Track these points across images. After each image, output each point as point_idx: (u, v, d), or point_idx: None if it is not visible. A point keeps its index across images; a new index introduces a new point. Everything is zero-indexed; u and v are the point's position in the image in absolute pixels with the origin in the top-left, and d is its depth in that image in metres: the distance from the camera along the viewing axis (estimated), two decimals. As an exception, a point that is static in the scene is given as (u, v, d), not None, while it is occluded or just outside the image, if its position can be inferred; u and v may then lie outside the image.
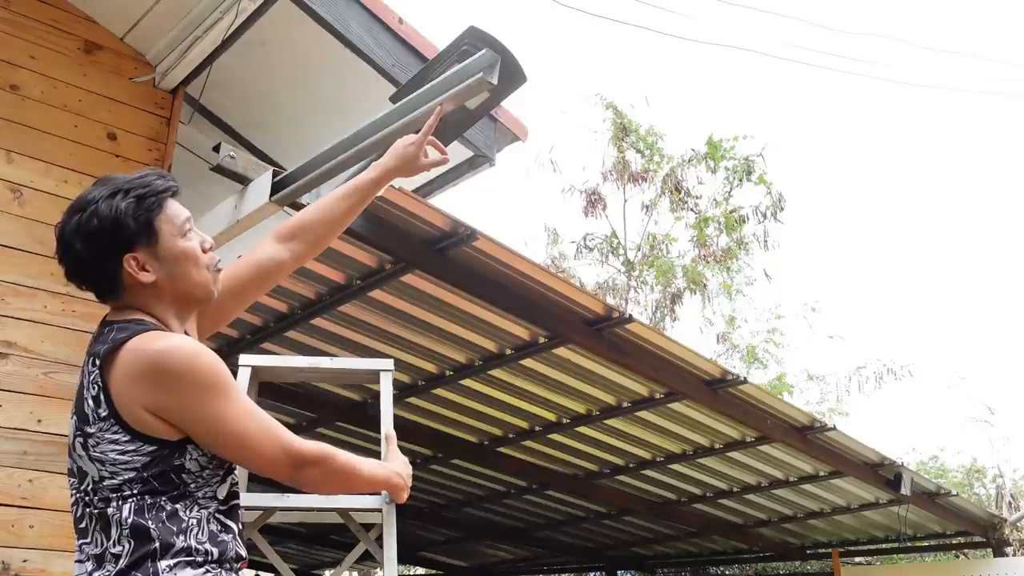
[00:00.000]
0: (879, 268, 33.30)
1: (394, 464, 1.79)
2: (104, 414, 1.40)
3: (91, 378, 1.43)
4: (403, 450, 1.96)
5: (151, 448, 1.39)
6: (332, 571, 11.33)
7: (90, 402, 1.42)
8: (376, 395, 2.89)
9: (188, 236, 1.56)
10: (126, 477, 1.38)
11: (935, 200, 36.97)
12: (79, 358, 3.12)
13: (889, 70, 32.68)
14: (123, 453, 1.39)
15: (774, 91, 37.95)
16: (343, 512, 2.48)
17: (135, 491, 1.38)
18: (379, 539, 2.37)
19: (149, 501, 1.38)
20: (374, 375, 2.62)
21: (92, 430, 1.41)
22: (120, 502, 1.38)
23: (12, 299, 3.01)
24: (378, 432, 2.34)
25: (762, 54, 29.35)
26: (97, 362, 1.43)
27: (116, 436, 1.39)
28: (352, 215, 1.90)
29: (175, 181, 1.58)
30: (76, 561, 1.45)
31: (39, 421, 2.95)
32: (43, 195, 3.17)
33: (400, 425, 5.33)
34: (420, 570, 13.55)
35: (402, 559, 12.59)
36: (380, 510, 2.36)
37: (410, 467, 1.84)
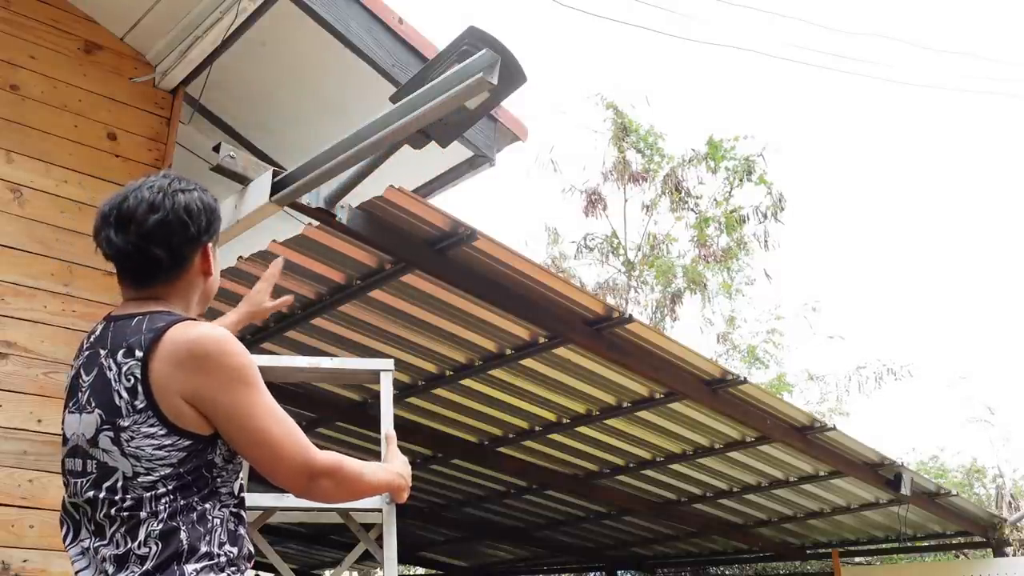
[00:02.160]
0: (879, 268, 33.32)
1: (395, 465, 1.80)
2: (141, 406, 1.40)
3: (124, 369, 1.42)
4: (403, 450, 1.96)
5: (187, 443, 1.40)
6: (332, 571, 11.32)
7: (123, 394, 1.41)
8: (376, 395, 2.90)
9: None
10: (162, 474, 1.38)
11: (935, 200, 36.98)
12: (79, 358, 3.10)
13: (889, 70, 32.68)
14: (160, 448, 1.39)
15: (774, 91, 37.98)
16: (343, 512, 2.48)
17: (169, 488, 1.38)
18: (379, 539, 2.37)
19: (182, 503, 1.39)
20: (374, 375, 2.62)
21: (126, 423, 1.40)
22: (153, 503, 1.38)
23: (12, 299, 3.01)
24: (378, 432, 2.34)
25: (762, 54, 29.36)
26: (138, 352, 1.42)
27: (152, 430, 1.39)
28: None
29: None
30: (77, 556, 1.43)
31: (39, 421, 2.95)
32: (43, 195, 3.17)
33: (400, 425, 5.33)
34: (420, 570, 13.55)
35: (402, 559, 12.54)
36: (380, 510, 2.36)
37: (410, 467, 1.85)
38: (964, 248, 34.19)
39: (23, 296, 3.03)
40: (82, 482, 1.44)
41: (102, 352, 1.47)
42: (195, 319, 1.53)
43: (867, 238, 33.94)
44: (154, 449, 1.39)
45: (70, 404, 1.51)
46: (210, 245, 1.61)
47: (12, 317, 2.99)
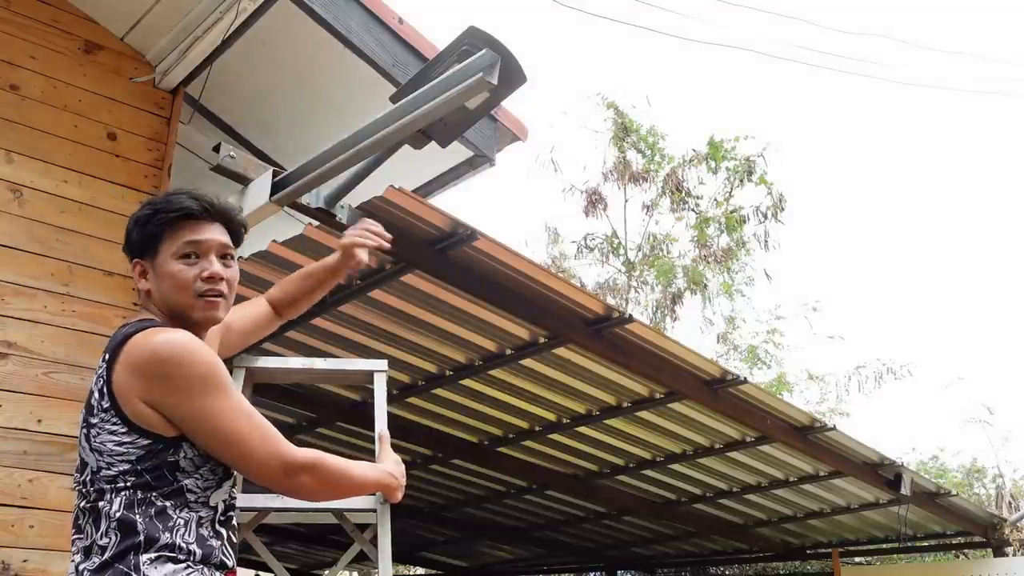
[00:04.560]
0: (879, 268, 33.30)
1: (386, 464, 1.80)
2: (106, 405, 1.45)
3: (99, 371, 1.50)
4: (402, 450, 1.97)
5: (146, 442, 1.43)
6: (329, 571, 11.32)
7: (96, 394, 1.48)
8: (376, 395, 2.89)
9: (186, 259, 1.59)
10: (121, 469, 1.42)
11: (935, 200, 36.97)
12: (79, 358, 3.14)
13: (889, 70, 32.62)
14: (120, 444, 1.43)
15: (774, 91, 37.92)
16: (337, 513, 2.47)
17: (128, 483, 1.41)
18: (374, 539, 2.37)
19: (140, 496, 1.41)
20: (368, 375, 2.62)
21: (95, 420, 1.46)
22: (112, 495, 1.41)
23: (12, 299, 3.01)
24: (378, 432, 2.34)
25: (762, 54, 29.29)
26: (107, 356, 1.49)
27: (115, 428, 1.44)
28: (314, 297, 2.21)
29: (200, 204, 1.61)
30: (72, 560, 1.47)
31: (39, 421, 2.95)
32: (43, 195, 3.17)
33: (400, 425, 5.35)
34: (420, 570, 13.56)
35: (402, 559, 12.48)
36: (374, 510, 2.36)
37: (403, 466, 1.85)
38: (964, 248, 34.19)
39: (23, 296, 3.03)
40: (76, 476, 1.52)
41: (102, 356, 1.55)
42: (161, 325, 1.53)
43: (867, 238, 33.93)
44: (114, 445, 1.44)
45: None
46: (139, 263, 1.62)
47: (12, 317, 2.99)
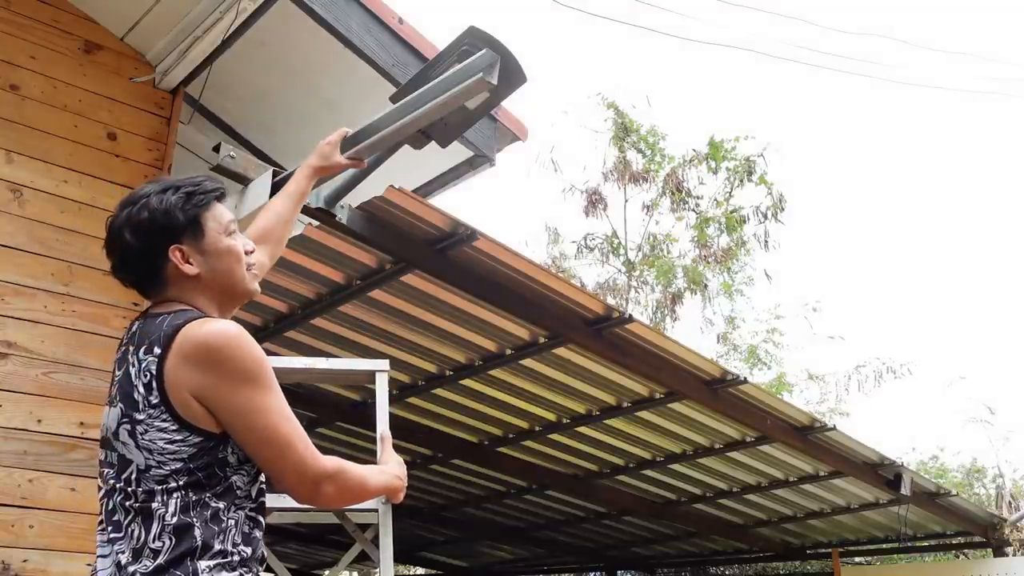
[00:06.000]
0: (880, 268, 33.28)
1: (391, 467, 1.81)
2: (155, 401, 1.43)
3: (143, 365, 1.46)
4: (402, 450, 1.97)
5: (197, 440, 1.42)
6: (330, 571, 11.31)
7: (141, 389, 1.45)
8: (376, 395, 2.89)
9: (232, 235, 1.65)
10: (173, 468, 1.41)
11: (936, 200, 36.97)
12: (79, 358, 3.13)
13: (889, 70, 32.60)
14: (171, 443, 1.42)
15: (774, 91, 37.89)
16: (339, 513, 2.48)
17: (180, 483, 1.40)
18: (376, 539, 2.37)
19: (194, 498, 1.40)
20: (370, 375, 2.62)
21: (142, 417, 1.44)
22: (165, 496, 1.40)
23: (12, 299, 3.01)
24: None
25: (762, 54, 29.29)
26: (157, 349, 1.45)
27: (165, 424, 1.42)
28: (296, 210, 2.21)
29: (223, 185, 1.67)
30: (100, 556, 1.46)
31: (39, 421, 2.95)
32: (43, 195, 3.17)
33: (400, 425, 5.35)
34: (420, 570, 13.56)
35: (402, 559, 12.47)
36: (376, 510, 2.36)
37: (404, 466, 1.85)
38: (964, 248, 34.19)
39: (23, 296, 3.03)
40: (108, 472, 1.49)
41: (131, 349, 1.52)
42: (209, 316, 1.54)
43: (867, 238, 33.89)
44: (165, 443, 1.42)
45: (108, 398, 1.57)
46: (180, 248, 1.55)
47: (12, 317, 2.99)
